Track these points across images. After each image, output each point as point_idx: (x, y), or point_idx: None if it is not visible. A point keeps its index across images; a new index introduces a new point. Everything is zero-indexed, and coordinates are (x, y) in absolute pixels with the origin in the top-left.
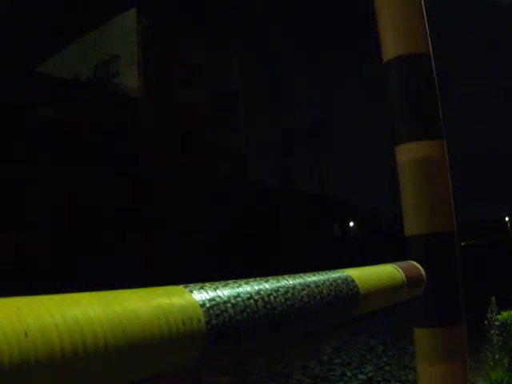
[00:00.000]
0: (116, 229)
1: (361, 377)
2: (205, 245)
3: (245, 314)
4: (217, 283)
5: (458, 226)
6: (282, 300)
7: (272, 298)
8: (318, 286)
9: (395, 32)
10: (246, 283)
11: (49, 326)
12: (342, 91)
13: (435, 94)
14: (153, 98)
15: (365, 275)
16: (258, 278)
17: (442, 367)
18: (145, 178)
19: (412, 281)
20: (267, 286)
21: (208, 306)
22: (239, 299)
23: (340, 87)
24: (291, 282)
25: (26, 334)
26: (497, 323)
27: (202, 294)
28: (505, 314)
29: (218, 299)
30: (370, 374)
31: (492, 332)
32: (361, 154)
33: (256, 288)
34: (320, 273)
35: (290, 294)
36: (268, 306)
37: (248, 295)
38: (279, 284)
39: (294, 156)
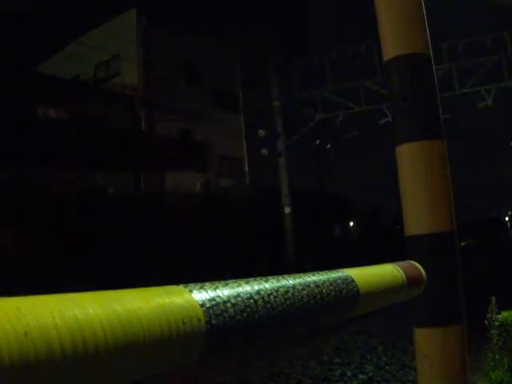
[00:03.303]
0: None
1: (361, 377)
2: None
3: (245, 313)
4: (217, 283)
5: (458, 225)
6: (282, 300)
7: (272, 297)
8: (317, 286)
9: (395, 32)
10: (246, 283)
11: (49, 326)
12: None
13: (435, 94)
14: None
15: (365, 275)
16: (258, 278)
17: (441, 367)
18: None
19: (412, 281)
20: (267, 285)
21: (208, 305)
22: (239, 299)
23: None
24: (291, 282)
25: (25, 334)
26: (497, 323)
27: (202, 294)
28: (505, 314)
29: (217, 299)
30: (370, 374)
31: (492, 332)
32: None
33: (256, 288)
34: (320, 273)
35: (290, 294)
36: (268, 305)
37: (248, 295)
38: (279, 284)
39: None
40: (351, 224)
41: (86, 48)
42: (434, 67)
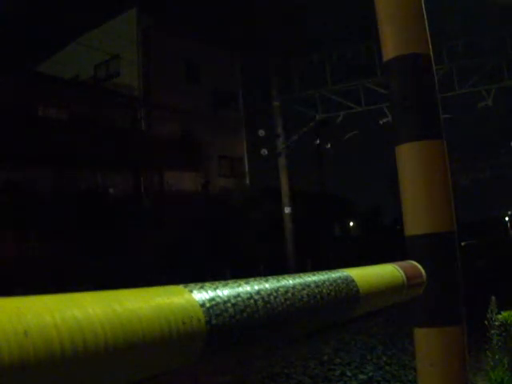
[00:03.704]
0: None
1: (361, 377)
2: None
3: (245, 313)
4: (217, 283)
5: (458, 225)
6: (282, 300)
7: (272, 297)
8: (317, 286)
9: (395, 32)
10: (246, 283)
11: (49, 326)
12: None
13: (435, 94)
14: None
15: (365, 275)
16: (257, 278)
17: (441, 367)
18: None
19: (412, 281)
20: (267, 285)
21: (208, 305)
22: (239, 299)
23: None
24: (291, 282)
25: (25, 334)
26: (497, 323)
27: (202, 294)
28: (505, 314)
29: (217, 299)
30: (370, 374)
31: (492, 332)
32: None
33: (256, 288)
34: (320, 273)
35: (290, 294)
36: (268, 305)
37: (248, 295)
38: (279, 284)
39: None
40: (351, 224)
41: (86, 48)
42: (434, 67)
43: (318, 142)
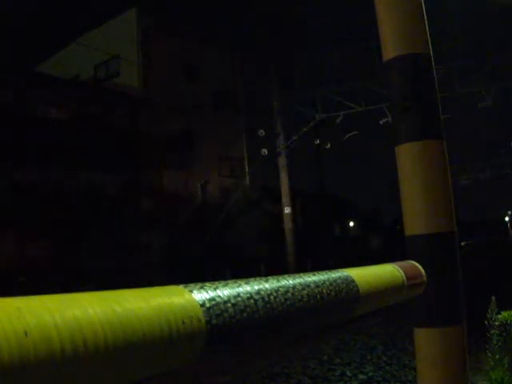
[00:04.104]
0: None
1: (361, 377)
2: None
3: (245, 313)
4: (217, 283)
5: (459, 225)
6: (282, 300)
7: (272, 297)
8: (317, 286)
9: (395, 32)
10: (246, 283)
11: (49, 326)
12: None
13: (435, 94)
14: None
15: (365, 275)
16: (258, 278)
17: (441, 367)
18: None
19: (412, 281)
20: (267, 285)
21: (208, 305)
22: (239, 299)
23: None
24: (291, 282)
25: (26, 334)
26: (497, 323)
27: (202, 294)
28: (505, 314)
29: (218, 299)
30: (370, 374)
31: (492, 332)
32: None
33: (256, 288)
34: (320, 273)
35: (290, 294)
36: (268, 305)
37: (248, 295)
38: (279, 284)
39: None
40: (351, 224)
41: (86, 48)
42: (434, 67)
43: (317, 141)
